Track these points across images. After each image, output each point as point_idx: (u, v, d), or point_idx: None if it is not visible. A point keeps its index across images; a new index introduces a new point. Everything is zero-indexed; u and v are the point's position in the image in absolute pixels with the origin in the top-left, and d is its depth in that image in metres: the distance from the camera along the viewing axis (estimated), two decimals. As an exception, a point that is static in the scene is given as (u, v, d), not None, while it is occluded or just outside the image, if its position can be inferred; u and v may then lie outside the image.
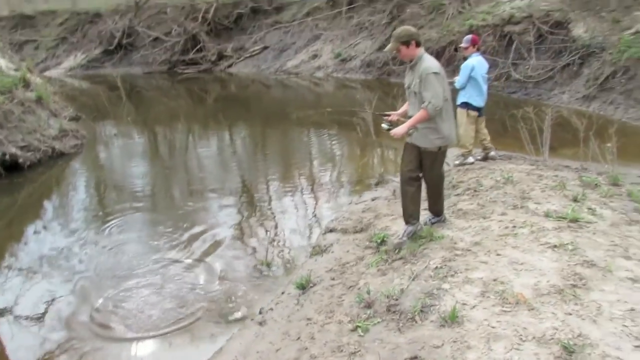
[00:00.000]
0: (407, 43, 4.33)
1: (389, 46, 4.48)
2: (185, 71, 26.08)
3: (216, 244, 6.07)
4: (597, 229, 4.69)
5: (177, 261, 5.66)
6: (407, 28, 4.47)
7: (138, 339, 4.28)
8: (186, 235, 6.34)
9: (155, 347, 4.20)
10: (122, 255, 5.88)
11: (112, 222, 6.92)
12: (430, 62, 4.39)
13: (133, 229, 6.73)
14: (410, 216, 4.81)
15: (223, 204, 7.55)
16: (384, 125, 4.68)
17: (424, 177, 4.75)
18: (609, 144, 7.04)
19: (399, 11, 22.49)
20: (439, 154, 4.62)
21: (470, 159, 7.71)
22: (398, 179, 7.81)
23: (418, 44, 4.39)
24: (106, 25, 28.28)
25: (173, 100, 19.65)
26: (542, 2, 16.79)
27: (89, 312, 4.69)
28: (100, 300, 4.88)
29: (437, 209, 5.04)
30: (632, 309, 3.29)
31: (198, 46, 26.87)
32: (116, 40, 27.33)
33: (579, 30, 15.26)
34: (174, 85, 23.39)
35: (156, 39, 27.71)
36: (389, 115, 4.76)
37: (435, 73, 4.31)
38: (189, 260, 5.67)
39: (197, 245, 6.05)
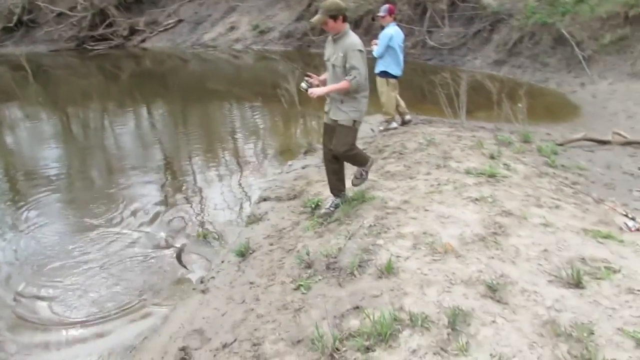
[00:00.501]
0: (334, 17, 4.31)
1: (316, 18, 4.44)
2: (96, 48, 24.76)
3: (143, 221, 5.91)
4: (512, 182, 5.10)
5: (105, 239, 5.50)
6: (336, 1, 4.36)
7: (69, 324, 4.12)
8: (110, 214, 6.13)
9: (95, 330, 4.09)
10: (43, 237, 5.62)
11: (29, 205, 6.54)
12: (355, 39, 4.41)
13: (52, 212, 6.38)
14: (335, 189, 4.95)
15: (146, 181, 7.32)
16: (303, 85, 4.60)
17: (335, 151, 4.63)
18: (519, 105, 7.55)
19: (315, -18, 22.43)
20: (352, 130, 4.58)
21: (394, 124, 8.01)
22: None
23: (345, 19, 4.41)
24: (3, 0, 26.20)
25: (84, 78, 18.67)
26: (453, -29, 17.31)
27: (11, 299, 4.47)
28: (23, 286, 4.66)
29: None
30: (545, 250, 3.65)
31: (107, 21, 25.55)
32: (16, 17, 25.35)
33: (488, -3, 15.94)
34: (84, 63, 22.18)
35: (60, 14, 26.07)
36: (311, 77, 4.74)
37: (360, 50, 4.35)
38: (120, 236, 5.53)
39: (122, 223, 5.86)
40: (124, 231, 5.67)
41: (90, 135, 11.08)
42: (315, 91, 4.48)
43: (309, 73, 4.79)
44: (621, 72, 11.27)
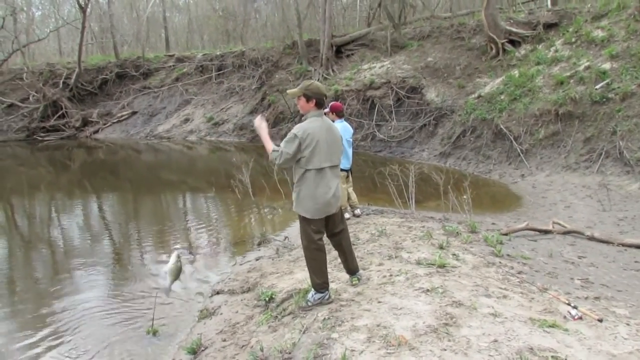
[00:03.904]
0: (308, 97, 4.36)
1: (292, 90, 4.49)
2: (46, 138, 24.63)
3: (89, 320, 5.69)
4: (462, 272, 5.24)
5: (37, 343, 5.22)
6: (317, 85, 4.39)
7: None
8: (50, 311, 5.89)
9: None
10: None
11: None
12: (302, 124, 4.37)
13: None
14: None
15: (93, 276, 7.08)
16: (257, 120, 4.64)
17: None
18: (464, 196, 7.89)
19: (267, 77, 23.44)
20: (303, 221, 4.49)
21: (347, 215, 8.17)
22: (279, 238, 8.08)
23: (318, 104, 4.42)
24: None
25: (32, 169, 18.33)
26: (398, 70, 18.55)
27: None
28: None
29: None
30: (495, 340, 3.73)
31: (60, 112, 25.63)
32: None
33: (431, 94, 17.05)
34: (33, 154, 21.90)
35: (11, 105, 26.00)
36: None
37: (295, 135, 4.25)
38: (55, 341, 5.26)
39: (66, 324, 5.62)
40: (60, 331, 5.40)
41: (35, 227, 10.73)
42: (260, 127, 4.56)
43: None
44: (556, 164, 12.03)
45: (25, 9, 35.07)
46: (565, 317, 4.22)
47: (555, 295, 4.74)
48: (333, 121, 7.86)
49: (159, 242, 8.69)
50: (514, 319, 4.09)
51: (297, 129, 4.31)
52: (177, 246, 8.32)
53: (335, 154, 4.44)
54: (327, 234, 4.72)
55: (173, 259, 5.07)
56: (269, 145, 4.36)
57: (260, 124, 4.61)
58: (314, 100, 4.37)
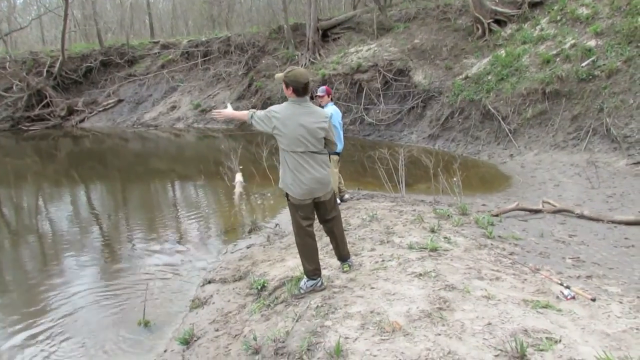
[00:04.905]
0: (286, 84, 4.38)
1: (278, 75, 4.57)
2: (31, 128, 24.32)
3: (79, 312, 5.65)
4: (454, 255, 5.24)
5: (30, 337, 5.17)
6: (296, 73, 4.40)
7: None
8: (40, 303, 5.84)
9: None
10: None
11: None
12: (279, 106, 4.48)
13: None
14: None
15: (82, 268, 7.02)
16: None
17: None
18: (454, 179, 7.88)
19: (254, 62, 23.23)
20: (289, 203, 4.56)
21: (337, 200, 8.12)
22: (270, 225, 8.04)
23: (295, 92, 4.39)
24: None
25: (18, 159, 18.10)
26: (385, 52, 18.43)
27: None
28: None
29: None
30: (489, 323, 3.73)
31: (45, 101, 25.27)
32: (-54, 98, 24.73)
33: (419, 77, 16.98)
34: (18, 144, 21.62)
35: (-5, 95, 25.62)
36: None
37: (266, 114, 4.43)
38: (47, 333, 5.22)
39: (55, 316, 5.58)
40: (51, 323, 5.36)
41: (22, 218, 10.60)
42: (220, 114, 4.94)
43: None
44: (544, 143, 12.06)
45: (5, -4, 34.35)
46: (558, 297, 4.23)
47: (547, 275, 4.75)
48: (321, 105, 7.83)
49: (148, 231, 8.62)
50: (507, 301, 4.09)
51: (273, 107, 4.52)
52: (168, 234, 8.27)
53: (311, 141, 4.39)
54: (319, 219, 4.73)
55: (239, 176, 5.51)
56: (241, 113, 4.75)
57: (219, 113, 4.94)
58: (292, 88, 4.39)
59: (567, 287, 4.31)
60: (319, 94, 7.82)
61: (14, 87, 25.38)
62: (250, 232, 7.77)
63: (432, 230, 6.06)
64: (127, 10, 34.27)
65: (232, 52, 24.54)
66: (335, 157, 7.80)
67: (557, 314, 3.88)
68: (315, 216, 4.68)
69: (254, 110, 4.62)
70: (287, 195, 4.52)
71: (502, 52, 15.35)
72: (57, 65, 26.09)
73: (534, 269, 4.95)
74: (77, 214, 10.37)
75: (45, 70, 26.10)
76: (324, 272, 4.80)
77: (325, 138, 4.48)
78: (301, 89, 4.38)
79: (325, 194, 4.55)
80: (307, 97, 4.48)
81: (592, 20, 13.84)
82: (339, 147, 7.80)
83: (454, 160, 9.27)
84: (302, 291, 4.56)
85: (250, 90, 21.78)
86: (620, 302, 4.17)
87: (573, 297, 4.17)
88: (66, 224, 9.52)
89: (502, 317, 3.80)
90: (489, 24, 17.03)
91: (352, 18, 22.28)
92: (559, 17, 15.11)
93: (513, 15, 16.92)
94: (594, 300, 4.11)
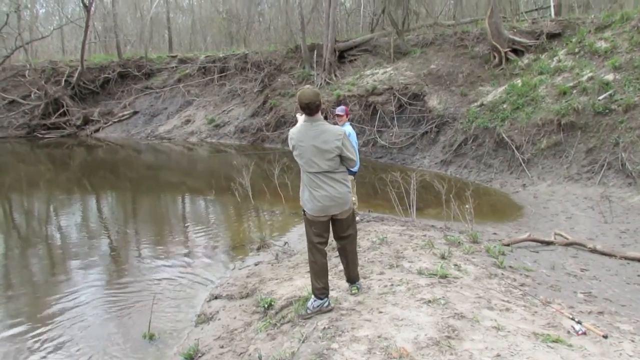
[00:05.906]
0: (300, 108, 4.46)
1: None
2: (47, 136, 24.60)
3: (85, 322, 5.63)
4: (464, 283, 5.18)
5: (35, 345, 5.16)
6: (300, 93, 4.44)
7: None
8: (47, 312, 5.83)
9: None
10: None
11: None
12: (295, 127, 4.60)
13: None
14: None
15: (90, 278, 7.02)
16: None
17: None
18: (467, 206, 7.82)
19: (269, 80, 23.41)
20: (305, 219, 4.63)
21: (355, 219, 8.07)
22: (279, 243, 8.01)
23: (302, 110, 4.46)
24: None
25: (32, 166, 18.30)
26: (400, 76, 18.51)
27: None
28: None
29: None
30: (498, 355, 3.66)
31: (61, 110, 25.61)
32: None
33: (433, 102, 17.01)
34: (33, 151, 21.86)
35: (12, 101, 26.00)
36: None
37: (290, 132, 4.58)
38: (52, 342, 5.20)
39: (61, 326, 5.55)
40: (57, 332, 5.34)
41: (32, 225, 10.67)
42: None
43: None
44: (558, 174, 11.98)
45: (29, 6, 34.98)
46: (569, 332, 4.15)
47: (558, 309, 4.68)
48: (336, 124, 7.80)
49: (157, 244, 8.63)
50: (517, 333, 4.03)
51: (293, 128, 4.65)
52: (176, 247, 8.26)
53: (322, 163, 4.42)
54: (333, 235, 4.76)
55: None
56: None
57: None
58: (299, 107, 4.49)
59: (579, 322, 4.23)
60: (337, 112, 7.79)
61: (32, 95, 25.77)
62: (258, 249, 7.74)
63: (443, 257, 6.00)
64: (147, 24, 34.85)
65: (248, 69, 24.76)
66: (350, 177, 7.75)
67: (568, 349, 3.81)
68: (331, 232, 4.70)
69: None
70: (304, 211, 4.59)
71: (518, 82, 15.35)
72: (76, 75, 26.48)
73: (545, 302, 4.88)
74: (87, 223, 10.42)
75: (63, 79, 26.50)
76: (331, 294, 4.76)
77: (340, 156, 4.48)
78: (303, 108, 4.44)
79: (342, 212, 4.56)
80: (319, 116, 4.51)
81: (611, 54, 13.83)
82: (357, 166, 7.77)
83: (466, 187, 9.24)
84: (309, 311, 4.52)
85: (265, 108, 21.92)
86: (632, 341, 4.09)
87: (584, 333, 4.10)
88: (76, 232, 9.56)
89: (512, 349, 3.73)
90: (506, 52, 17.06)
91: (370, 41, 22.44)
92: (577, 50, 15.13)
93: (531, 46, 16.96)
94: (605, 337, 4.03)
